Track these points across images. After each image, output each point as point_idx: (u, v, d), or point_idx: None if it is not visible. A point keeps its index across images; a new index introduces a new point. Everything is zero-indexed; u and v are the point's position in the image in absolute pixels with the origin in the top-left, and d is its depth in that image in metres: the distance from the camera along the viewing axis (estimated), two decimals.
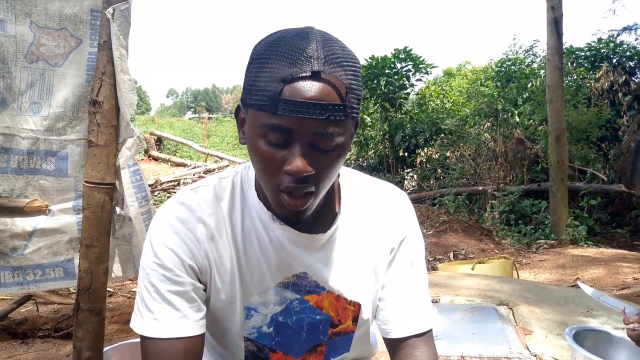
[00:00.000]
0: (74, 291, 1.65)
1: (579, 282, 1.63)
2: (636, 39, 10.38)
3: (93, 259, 1.59)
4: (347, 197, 1.02)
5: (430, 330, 1.04)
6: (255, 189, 0.96)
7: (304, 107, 0.76)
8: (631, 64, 10.51)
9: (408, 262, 1.05)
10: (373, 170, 11.26)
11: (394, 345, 1.04)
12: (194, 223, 0.93)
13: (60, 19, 1.64)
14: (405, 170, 11.31)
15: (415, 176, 11.09)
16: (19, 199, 1.67)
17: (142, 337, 0.91)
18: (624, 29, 9.44)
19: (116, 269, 1.83)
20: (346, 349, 1.09)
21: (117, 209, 1.76)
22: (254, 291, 0.98)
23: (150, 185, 9.89)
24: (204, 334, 0.94)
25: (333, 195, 1.00)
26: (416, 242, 1.07)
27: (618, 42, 10.71)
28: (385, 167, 11.00)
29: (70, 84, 1.68)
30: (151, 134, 16.37)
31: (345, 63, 0.81)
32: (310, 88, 0.77)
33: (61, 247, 1.73)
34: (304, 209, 0.85)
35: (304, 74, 0.77)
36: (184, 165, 13.58)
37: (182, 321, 0.90)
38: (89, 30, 1.68)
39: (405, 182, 11.18)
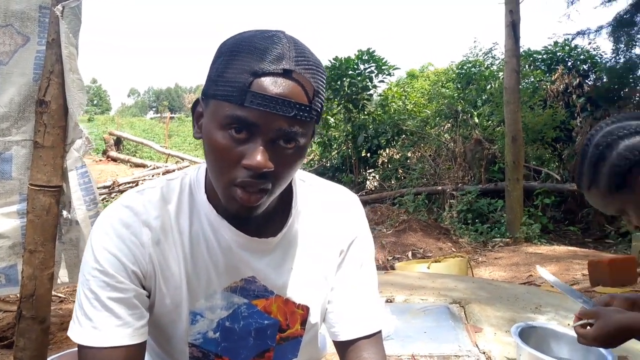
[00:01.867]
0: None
1: (538, 267, 1.67)
2: (589, 43, 10.78)
3: (37, 265, 1.54)
4: (299, 200, 1.02)
5: (379, 332, 1.05)
6: (205, 192, 0.95)
7: (272, 102, 0.76)
8: (585, 67, 10.91)
9: (357, 263, 1.06)
10: (336, 170, 11.32)
11: (343, 348, 1.04)
12: (139, 227, 0.91)
13: (6, 16, 1.59)
14: (368, 171, 11.40)
15: (377, 176, 11.19)
16: None
17: (80, 347, 0.88)
18: (578, 33, 9.76)
19: (62, 275, 1.77)
20: (294, 354, 1.09)
21: (64, 213, 1.71)
22: (200, 295, 0.96)
23: (107, 187, 9.67)
24: (145, 341, 0.92)
25: (285, 199, 1.00)
26: (365, 244, 1.08)
27: (573, 45, 11.09)
28: (348, 168, 11.07)
29: (16, 83, 1.62)
30: (110, 134, 16.00)
31: (314, 68, 0.82)
32: (280, 84, 0.77)
33: (3, 253, 1.66)
34: (257, 205, 0.84)
35: (275, 70, 0.77)
36: (143, 166, 13.32)
37: (123, 329, 0.88)
38: (37, 28, 1.63)
39: (368, 182, 11.28)
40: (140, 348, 0.91)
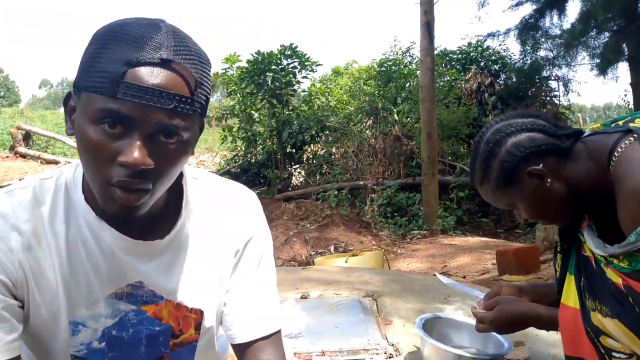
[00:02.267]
0: None
1: (436, 274, 1.74)
2: (499, 45, 11.38)
3: None
4: (191, 198, 0.97)
5: (278, 332, 1.04)
6: (83, 192, 0.88)
7: (148, 94, 0.71)
8: (496, 67, 11.52)
9: (254, 263, 1.04)
10: (262, 166, 11.24)
11: (241, 350, 1.02)
12: (7, 231, 0.83)
13: None
14: (294, 166, 11.43)
15: (302, 172, 11.24)
16: None
17: None
18: (489, 35, 10.26)
19: None
20: (190, 359, 1.05)
21: None
22: (81, 304, 0.90)
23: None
24: (18, 356, 0.85)
25: (174, 197, 0.95)
26: (263, 242, 1.06)
27: (485, 46, 11.66)
28: (273, 163, 11.03)
29: None
30: (18, 128, 14.93)
31: (196, 58, 0.77)
32: (157, 75, 0.72)
33: None
34: (137, 205, 0.78)
35: (151, 60, 0.72)
36: (56, 162, 12.56)
37: None
38: None
39: (293, 178, 11.31)
40: None
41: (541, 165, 1.13)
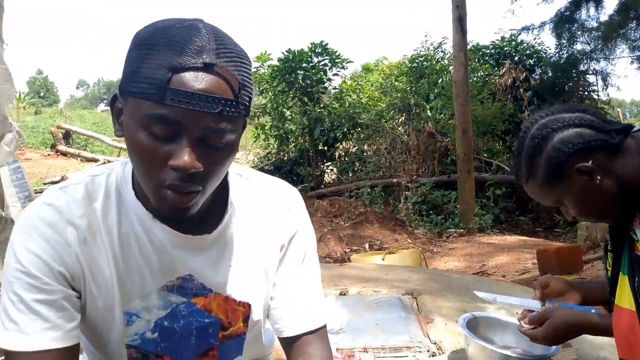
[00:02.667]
0: None
1: (475, 292, 1.70)
2: (534, 39, 11.12)
3: None
4: (236, 194, 0.99)
5: (324, 327, 1.04)
6: (133, 188, 0.90)
7: (195, 99, 0.72)
8: (531, 61, 11.27)
9: (298, 258, 1.04)
10: (294, 163, 11.30)
11: (288, 344, 1.03)
12: (63, 226, 0.86)
13: None
14: (325, 164, 11.44)
15: (334, 169, 11.24)
16: None
17: (7, 352, 0.83)
18: (523, 28, 10.05)
19: (1, 275, 1.69)
20: (239, 352, 1.06)
21: None
22: (134, 296, 0.93)
23: (56, 183, 9.31)
24: (77, 344, 0.88)
25: (220, 194, 0.96)
26: (307, 238, 1.06)
27: (519, 41, 11.41)
28: (305, 161, 11.06)
29: None
30: (58, 127, 15.41)
31: (237, 59, 0.77)
32: (202, 79, 0.73)
33: None
34: (189, 206, 0.80)
35: (195, 65, 0.72)
36: (95, 160, 12.93)
37: (52, 332, 0.83)
38: None
39: (325, 175, 11.32)
40: (72, 351, 0.87)
41: (590, 162, 1.09)
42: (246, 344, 1.06)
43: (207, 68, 0.73)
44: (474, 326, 1.76)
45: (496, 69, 11.11)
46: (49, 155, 13.74)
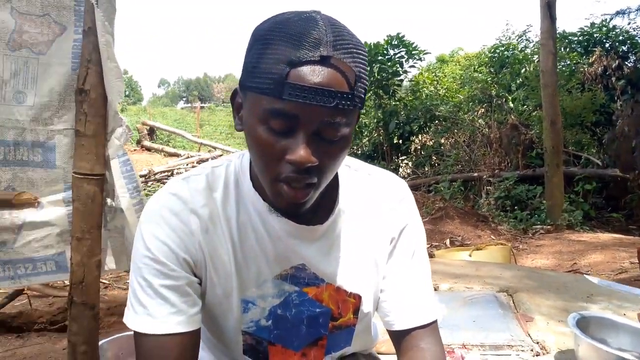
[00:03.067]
0: (68, 283, 1.61)
1: (584, 275, 1.60)
2: (629, 23, 10.36)
3: (85, 252, 1.55)
4: (346, 186, 0.99)
5: (435, 322, 1.01)
6: (251, 179, 0.92)
7: (312, 93, 0.72)
8: (624, 48, 10.52)
9: (409, 251, 1.02)
10: (368, 158, 11.24)
11: (398, 337, 1.01)
12: (187, 215, 0.89)
13: (43, 5, 1.57)
14: (400, 158, 11.29)
15: (409, 163, 11.07)
16: (7, 191, 1.61)
17: (136, 333, 0.87)
18: (617, 12, 9.40)
19: (109, 262, 1.78)
20: (347, 343, 1.06)
21: (108, 200, 1.71)
22: (251, 284, 0.94)
23: (143, 176, 9.83)
24: (199, 329, 0.90)
25: (331, 185, 0.95)
26: (417, 231, 1.04)
27: (611, 26, 10.68)
28: (380, 155, 10.98)
29: (56, 73, 1.62)
30: (143, 124, 16.21)
31: (354, 50, 0.76)
32: (318, 73, 0.72)
33: (52, 240, 1.68)
34: (304, 201, 0.81)
35: (312, 58, 0.72)
36: (177, 155, 13.48)
37: (176, 316, 0.86)
38: (73, 17, 1.61)
39: (400, 169, 11.18)
40: (194, 336, 0.89)
41: None
42: (355, 335, 1.05)
43: (323, 61, 0.73)
44: (584, 326, 1.66)
45: (585, 57, 10.47)
46: (134, 150, 14.48)
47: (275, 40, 0.74)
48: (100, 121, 1.59)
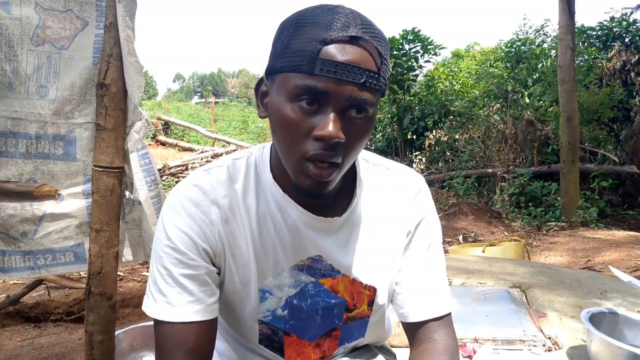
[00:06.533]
0: (85, 275, 1.64)
1: (610, 267, 1.60)
2: None
3: (103, 243, 1.58)
4: (364, 180, 1.01)
5: (449, 314, 1.02)
6: (271, 170, 0.94)
7: (342, 69, 0.76)
8: None
9: (425, 245, 1.03)
10: (381, 153, 11.16)
11: (412, 329, 1.02)
12: (208, 205, 0.91)
13: (66, 1, 1.60)
14: (414, 153, 11.24)
15: (423, 159, 11.02)
16: (28, 183, 1.65)
17: (155, 321, 0.90)
18: (638, 6, 9.21)
19: (126, 253, 1.82)
20: (361, 334, 1.07)
21: (127, 193, 1.74)
22: (268, 274, 0.96)
23: (158, 170, 9.87)
24: (216, 318, 0.93)
25: (349, 178, 0.98)
26: (433, 225, 1.05)
27: (631, 20, 10.48)
28: (393, 150, 10.94)
29: (77, 67, 1.65)
30: (158, 118, 16.33)
31: (379, 36, 0.81)
32: (349, 51, 0.77)
33: (71, 232, 1.72)
34: (328, 180, 0.82)
35: (342, 38, 0.76)
36: (191, 150, 13.57)
37: (195, 305, 0.89)
38: (94, 12, 1.64)
39: (414, 165, 11.13)
40: (211, 325, 0.91)
41: None
42: (369, 327, 1.07)
43: (353, 41, 0.77)
44: (597, 322, 1.65)
45: (603, 51, 10.29)
46: (149, 144, 14.58)
47: (306, 23, 0.78)
48: (120, 115, 1.62)
